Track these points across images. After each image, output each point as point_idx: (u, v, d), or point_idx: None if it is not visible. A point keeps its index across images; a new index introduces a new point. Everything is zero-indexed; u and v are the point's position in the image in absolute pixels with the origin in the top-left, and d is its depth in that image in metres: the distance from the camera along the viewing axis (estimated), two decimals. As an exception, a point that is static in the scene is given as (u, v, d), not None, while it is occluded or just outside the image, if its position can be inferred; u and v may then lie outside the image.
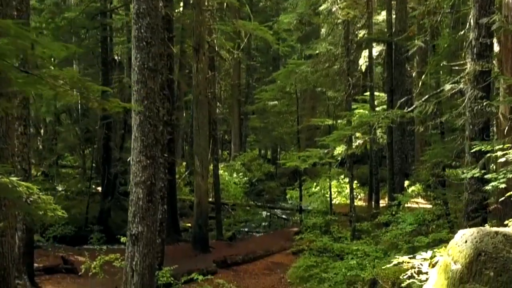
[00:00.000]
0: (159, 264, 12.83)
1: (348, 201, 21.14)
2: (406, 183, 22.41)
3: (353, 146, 14.44)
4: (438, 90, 12.45)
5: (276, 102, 29.53)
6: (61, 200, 21.92)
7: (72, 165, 29.41)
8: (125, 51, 25.26)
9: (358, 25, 22.69)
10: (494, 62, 11.05)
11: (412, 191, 21.46)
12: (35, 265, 14.29)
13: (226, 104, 37.63)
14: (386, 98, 22.34)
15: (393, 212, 16.09)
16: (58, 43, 5.20)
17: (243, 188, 28.97)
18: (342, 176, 26.59)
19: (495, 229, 5.37)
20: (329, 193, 22.46)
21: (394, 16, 21.02)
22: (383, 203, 22.03)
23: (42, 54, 4.84)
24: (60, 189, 23.62)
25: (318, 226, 19.14)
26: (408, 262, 6.66)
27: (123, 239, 11.25)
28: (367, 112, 23.32)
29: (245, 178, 30.16)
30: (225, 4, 24.29)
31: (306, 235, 18.46)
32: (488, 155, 8.45)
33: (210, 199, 22.57)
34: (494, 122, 11.94)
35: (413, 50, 16.96)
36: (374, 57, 26.02)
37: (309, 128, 30.13)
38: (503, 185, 7.63)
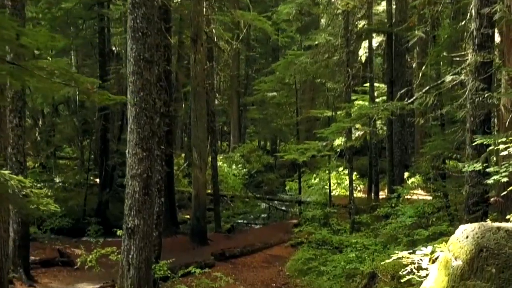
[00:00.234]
0: (156, 257, 12.72)
1: (348, 193, 21.06)
2: (406, 174, 22.33)
3: (353, 138, 14.29)
4: (439, 82, 12.29)
5: (275, 93, 29.40)
6: (59, 192, 21.90)
7: (70, 157, 29.32)
8: (123, 42, 24.95)
9: (358, 16, 22.45)
10: (495, 53, 10.88)
11: (412, 182, 21.38)
12: (31, 258, 14.20)
13: (225, 95, 37.48)
14: (386, 89, 22.21)
15: (393, 205, 15.97)
16: (44, 33, 5.04)
17: (242, 180, 28.92)
18: (342, 168, 26.48)
19: (497, 224, 5.22)
20: (328, 185, 22.36)
21: (394, 7, 20.87)
22: (382, 194, 21.95)
23: (29, 45, 4.68)
24: (58, 180, 23.51)
25: (317, 218, 19.06)
26: (407, 258, 6.52)
27: (119, 232, 11.12)
28: (366, 103, 23.19)
29: (244, 170, 30.11)
30: (223, -7, 24.11)
31: (305, 228, 18.38)
32: (490, 148, 8.31)
33: (209, 191, 22.48)
34: (495, 114, 11.79)
35: (413, 40, 16.77)
36: (374, 48, 25.88)
37: (308, 120, 30.02)
38: (505, 179, 7.49)
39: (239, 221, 23.81)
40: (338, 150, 18.02)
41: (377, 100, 25.12)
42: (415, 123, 17.60)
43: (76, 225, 20.03)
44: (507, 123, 9.52)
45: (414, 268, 6.39)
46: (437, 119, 15.64)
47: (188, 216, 21.68)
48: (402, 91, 14.27)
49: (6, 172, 6.82)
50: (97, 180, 23.39)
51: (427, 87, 12.20)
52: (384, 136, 24.00)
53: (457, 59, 12.66)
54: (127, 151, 10.26)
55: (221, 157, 30.88)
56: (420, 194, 20.05)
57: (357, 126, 14.25)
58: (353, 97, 23.81)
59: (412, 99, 12.38)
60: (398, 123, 19.91)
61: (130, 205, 10.11)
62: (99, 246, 12.60)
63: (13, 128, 12.55)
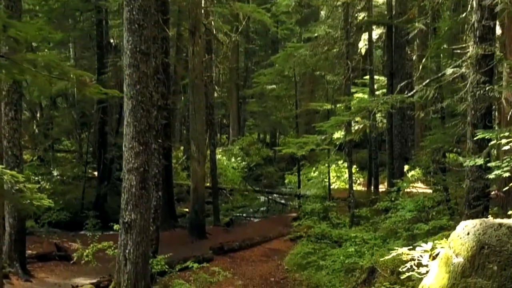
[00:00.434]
0: (153, 252, 12.65)
1: (347, 186, 20.96)
2: (406, 167, 22.22)
3: (352, 131, 14.16)
4: (439, 74, 12.13)
5: (274, 86, 29.23)
6: (57, 185, 21.81)
7: (68, 150, 29.20)
8: (121, 34, 24.77)
9: (357, 8, 22.28)
10: (497, 45, 10.73)
11: (412, 176, 21.29)
12: (28, 252, 14.13)
13: (224, 88, 37.35)
14: (386, 81, 22.07)
15: (393, 198, 15.86)
16: (32, 25, 4.90)
17: (241, 173, 28.86)
18: (341, 161, 26.39)
19: (498, 220, 5.11)
20: (328, 178, 22.26)
21: (394, -2, 20.67)
22: (382, 187, 21.86)
23: (17, 37, 4.55)
24: (55, 174, 23.40)
25: (317, 212, 18.96)
26: (407, 254, 6.42)
27: (116, 226, 11.03)
28: (366, 96, 23.06)
29: (244, 163, 30.05)
30: (222, -15, 23.91)
31: (304, 221, 18.29)
32: (492, 142, 8.19)
33: (208, 184, 22.39)
34: (496, 107, 11.67)
35: (413, 33, 16.55)
36: (374, 40, 25.73)
37: (307, 113, 29.92)
38: (507, 174, 7.37)
39: (238, 214, 23.76)
40: (338, 143, 17.90)
41: (377, 92, 25.00)
42: (415, 116, 17.49)
43: (74, 219, 19.96)
44: (508, 117, 9.41)
45: (414, 264, 6.29)
46: (438, 112, 15.50)
47: (187, 209, 21.59)
48: (402, 84, 14.11)
49: (0, 166, 6.71)
50: (95, 173, 23.29)
51: (428, 80, 12.05)
52: (384, 129, 23.87)
53: (458, 51, 12.52)
54: (123, 145, 10.16)
55: (220, 150, 30.81)
56: (420, 187, 19.96)
57: (357, 119, 14.12)
58: (353, 90, 23.68)
59: (412, 92, 12.24)
60: (398, 116, 19.79)
61: (127, 199, 10.03)
62: (96, 240, 12.49)
63: (8, 121, 12.44)
